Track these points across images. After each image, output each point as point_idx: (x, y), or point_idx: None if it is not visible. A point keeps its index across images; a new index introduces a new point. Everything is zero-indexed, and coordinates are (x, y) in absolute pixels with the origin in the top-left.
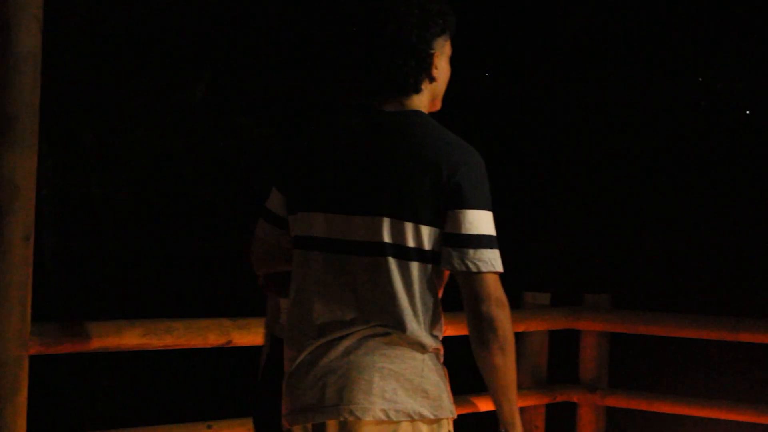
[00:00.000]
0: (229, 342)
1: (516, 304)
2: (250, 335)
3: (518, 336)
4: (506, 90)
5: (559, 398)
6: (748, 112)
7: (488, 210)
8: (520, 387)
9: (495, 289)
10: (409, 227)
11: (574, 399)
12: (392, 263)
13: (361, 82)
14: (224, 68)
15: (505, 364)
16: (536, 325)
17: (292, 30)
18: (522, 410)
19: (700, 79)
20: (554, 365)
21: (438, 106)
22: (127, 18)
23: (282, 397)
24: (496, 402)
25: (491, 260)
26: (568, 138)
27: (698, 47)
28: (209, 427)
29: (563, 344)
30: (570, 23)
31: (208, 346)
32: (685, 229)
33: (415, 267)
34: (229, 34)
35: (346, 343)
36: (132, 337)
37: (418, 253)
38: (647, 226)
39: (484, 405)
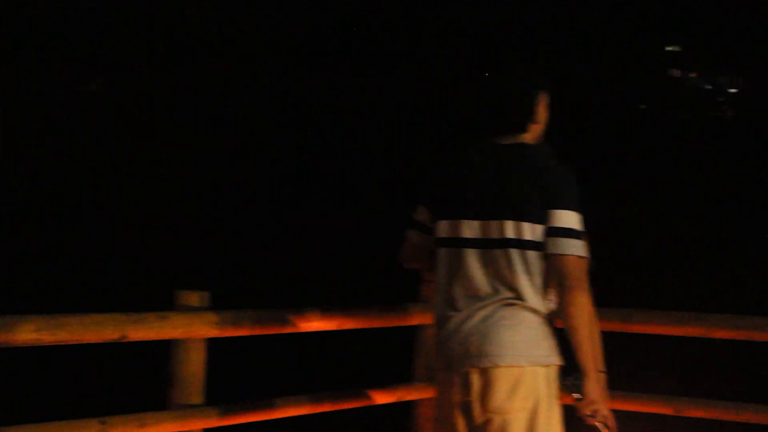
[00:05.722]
0: (124, 337)
1: (413, 297)
2: (145, 330)
3: (415, 329)
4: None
5: None
6: (643, 106)
7: (578, 212)
8: (418, 380)
9: (577, 268)
10: (526, 226)
11: None
12: (515, 252)
13: (483, 126)
14: (124, 64)
15: (581, 324)
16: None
17: (193, 28)
18: (417, 403)
19: (595, 75)
20: None
21: (540, 140)
22: (23, 11)
23: (434, 357)
24: (577, 353)
25: (577, 247)
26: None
27: (590, 43)
28: (102, 422)
29: None
30: (455, 21)
31: (102, 342)
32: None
33: (531, 254)
34: (129, 30)
35: (483, 312)
36: (24, 333)
37: (533, 244)
38: None
39: (379, 398)
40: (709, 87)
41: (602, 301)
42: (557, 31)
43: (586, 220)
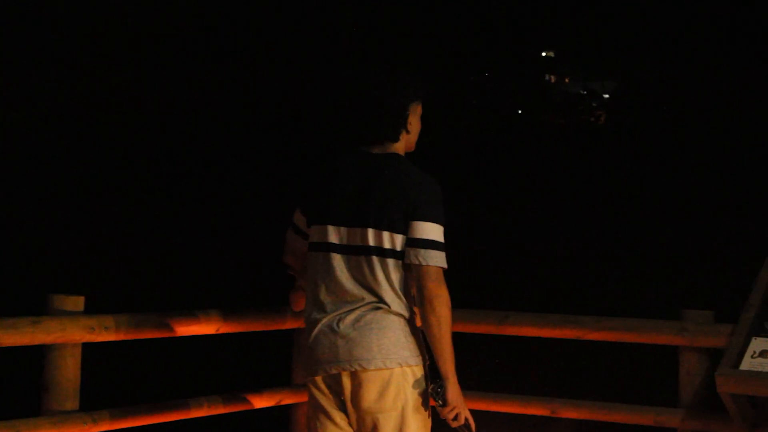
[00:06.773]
0: None
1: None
2: (17, 335)
3: (292, 333)
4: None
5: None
6: (519, 111)
7: (439, 223)
8: (297, 384)
9: (437, 279)
10: (386, 235)
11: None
12: (375, 260)
13: (355, 134)
14: None
15: (441, 333)
16: None
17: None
18: (296, 406)
19: (472, 78)
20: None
21: (412, 148)
22: None
23: (304, 359)
24: (437, 360)
25: (437, 258)
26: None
27: (469, 47)
28: None
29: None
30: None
31: None
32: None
33: (391, 262)
34: None
35: (351, 317)
36: None
37: (393, 253)
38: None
39: (259, 402)
40: (583, 92)
41: (479, 303)
42: (435, 35)
43: (462, 225)
